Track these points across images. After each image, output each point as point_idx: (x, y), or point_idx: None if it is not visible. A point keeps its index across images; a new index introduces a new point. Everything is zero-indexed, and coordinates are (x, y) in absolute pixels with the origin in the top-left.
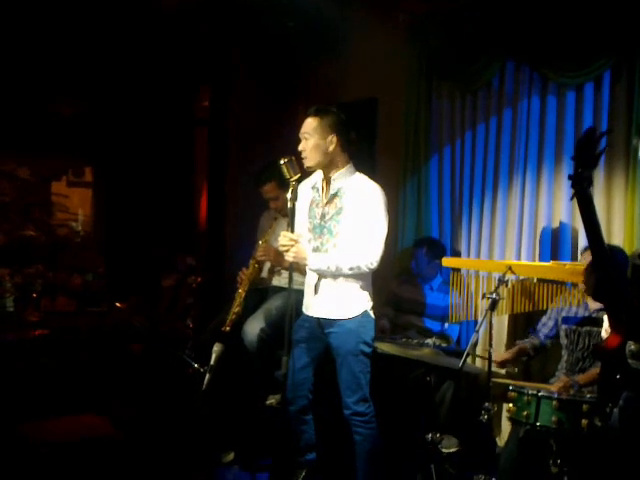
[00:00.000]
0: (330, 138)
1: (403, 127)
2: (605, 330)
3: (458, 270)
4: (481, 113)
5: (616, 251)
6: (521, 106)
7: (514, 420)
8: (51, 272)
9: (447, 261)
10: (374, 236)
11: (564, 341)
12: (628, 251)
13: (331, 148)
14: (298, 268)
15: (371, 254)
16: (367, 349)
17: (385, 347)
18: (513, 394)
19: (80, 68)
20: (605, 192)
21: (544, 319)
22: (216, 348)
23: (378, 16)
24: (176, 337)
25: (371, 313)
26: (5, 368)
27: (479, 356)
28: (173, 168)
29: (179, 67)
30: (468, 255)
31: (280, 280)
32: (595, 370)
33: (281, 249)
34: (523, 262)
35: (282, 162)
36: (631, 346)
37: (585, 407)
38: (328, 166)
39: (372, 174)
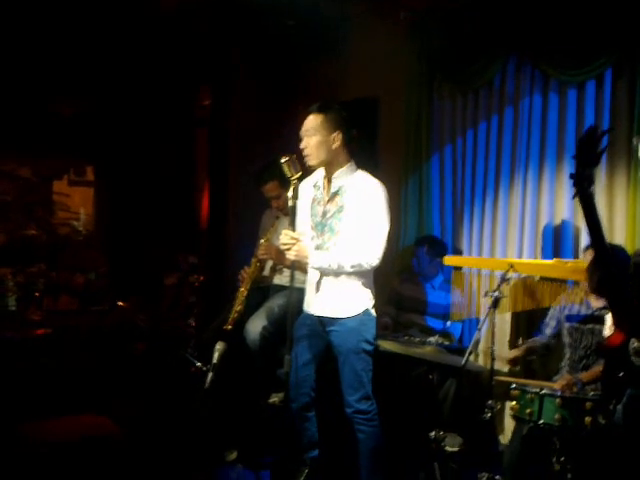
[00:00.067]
0: (334, 135)
1: (404, 126)
2: (608, 328)
3: (460, 268)
4: (482, 111)
5: (618, 250)
6: (522, 104)
7: (517, 418)
8: (53, 271)
9: (449, 259)
10: (376, 233)
11: (567, 339)
12: (630, 249)
13: (335, 145)
14: (300, 266)
15: (373, 252)
16: (368, 347)
17: (388, 345)
18: (516, 392)
19: (81, 68)
20: (607, 190)
21: (547, 319)
22: (218, 347)
23: (378, 14)
24: (178, 336)
25: (372, 311)
26: (7, 367)
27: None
28: (174, 167)
29: (179, 67)
30: (470, 253)
31: (282, 279)
32: (598, 368)
33: (282, 248)
34: (525, 260)
35: (283, 161)
36: (634, 343)
37: (588, 405)
38: (330, 164)
39: (374, 173)
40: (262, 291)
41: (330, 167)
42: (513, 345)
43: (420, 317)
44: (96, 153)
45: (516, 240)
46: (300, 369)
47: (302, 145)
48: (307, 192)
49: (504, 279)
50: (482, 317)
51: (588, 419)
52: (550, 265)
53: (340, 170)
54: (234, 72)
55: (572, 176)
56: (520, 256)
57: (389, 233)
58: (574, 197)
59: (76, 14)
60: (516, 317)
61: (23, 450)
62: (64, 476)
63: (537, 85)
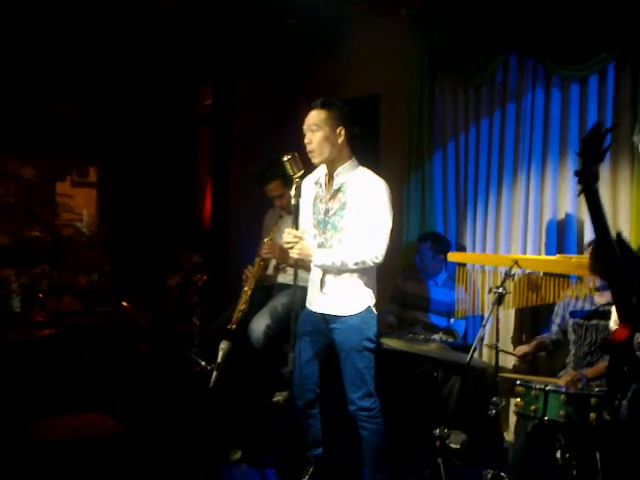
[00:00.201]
0: (339, 130)
1: (406, 123)
2: (614, 322)
3: (464, 265)
4: (485, 107)
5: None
6: (525, 100)
7: (522, 414)
8: (57, 272)
9: (452, 256)
10: (379, 230)
11: (572, 336)
12: (634, 244)
13: (340, 140)
14: (303, 265)
15: (376, 248)
16: (371, 345)
17: (392, 343)
18: (521, 389)
19: (83, 68)
20: (610, 185)
21: (552, 316)
22: (223, 346)
23: (379, 11)
24: (182, 335)
25: (374, 309)
26: (12, 368)
27: (489, 346)
28: (176, 167)
29: (181, 66)
30: (473, 250)
31: (285, 277)
32: (603, 364)
33: (286, 246)
34: (529, 256)
35: (285, 159)
36: (639, 338)
37: (593, 401)
38: (333, 160)
39: (376, 170)
40: (266, 290)
41: (332, 164)
42: (517, 341)
43: (424, 314)
44: (99, 154)
45: (520, 236)
46: (304, 366)
47: (305, 140)
48: (309, 190)
49: (508, 275)
50: (486, 314)
51: (593, 415)
52: (554, 261)
53: (342, 167)
54: (235, 71)
55: (577, 173)
56: (524, 252)
57: (392, 230)
58: (579, 194)
59: (78, 14)
60: (520, 313)
61: (27, 449)
62: (67, 475)
63: (539, 80)
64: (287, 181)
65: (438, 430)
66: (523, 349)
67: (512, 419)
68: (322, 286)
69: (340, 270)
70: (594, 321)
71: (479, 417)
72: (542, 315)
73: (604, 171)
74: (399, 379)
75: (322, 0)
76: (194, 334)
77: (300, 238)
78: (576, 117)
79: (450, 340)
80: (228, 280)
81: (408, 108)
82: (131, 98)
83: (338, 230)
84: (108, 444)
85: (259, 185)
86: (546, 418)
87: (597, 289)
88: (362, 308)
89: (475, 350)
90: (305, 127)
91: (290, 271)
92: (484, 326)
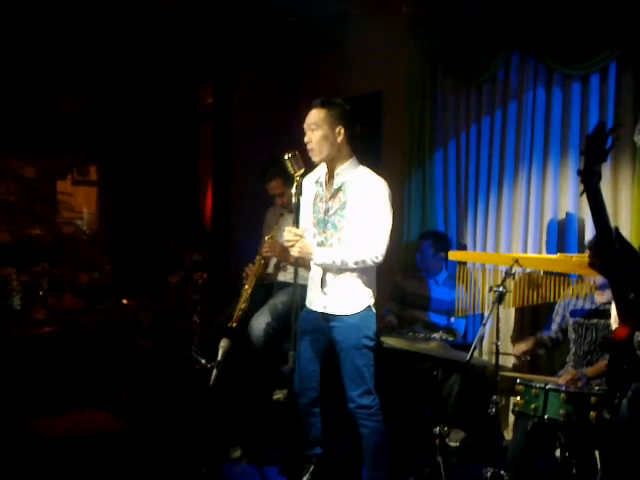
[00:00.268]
0: (338, 129)
1: (407, 121)
2: (614, 321)
3: (464, 264)
4: (486, 106)
5: (626, 243)
6: (526, 98)
7: (522, 413)
8: (57, 270)
9: (453, 255)
10: (379, 230)
11: (572, 335)
12: (635, 243)
13: (339, 139)
14: (304, 263)
15: (376, 248)
16: (370, 343)
17: (392, 341)
18: (521, 387)
19: (84, 66)
20: (612, 184)
21: (553, 315)
22: (223, 343)
23: (380, 9)
24: (183, 333)
25: (373, 308)
26: (13, 366)
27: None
28: (177, 165)
29: (181, 64)
30: (474, 248)
31: (286, 275)
32: (603, 362)
33: (286, 244)
34: (530, 255)
35: (286, 157)
36: (639, 337)
37: (593, 399)
38: (333, 159)
39: (377, 168)
40: (266, 288)
41: (332, 162)
42: (518, 340)
43: (424, 313)
44: (99, 152)
45: (520, 235)
46: (305, 363)
47: (305, 139)
48: (309, 189)
49: (508, 274)
50: (486, 312)
51: (593, 414)
52: (555, 259)
53: (342, 166)
54: (236, 69)
55: (580, 172)
56: (524, 251)
57: (392, 229)
58: (581, 194)
59: (78, 12)
60: (521, 312)
61: (28, 446)
62: (71, 471)
63: (541, 79)
64: (288, 179)
65: (438, 428)
66: (521, 347)
67: (512, 417)
68: (323, 285)
69: (340, 269)
70: (594, 320)
71: (479, 415)
72: (542, 314)
73: (605, 170)
74: (399, 378)
75: None
76: (194, 332)
77: (300, 236)
78: (577, 116)
79: (450, 339)
80: (229, 278)
81: (409, 107)
82: (132, 97)
83: (338, 229)
84: (109, 441)
85: (261, 183)
86: (546, 417)
87: (597, 288)
88: (362, 307)
89: (475, 349)
90: (305, 126)
91: (290, 269)
92: (484, 325)
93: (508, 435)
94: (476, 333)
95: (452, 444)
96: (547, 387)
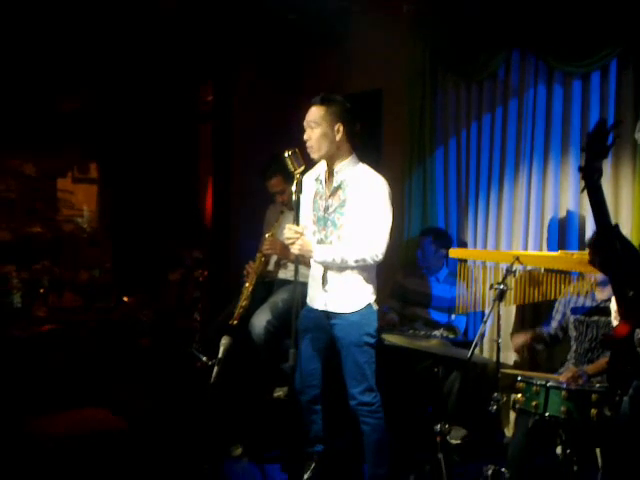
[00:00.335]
0: (337, 127)
1: (408, 119)
2: (614, 317)
3: (465, 261)
4: (487, 103)
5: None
6: (527, 96)
7: (523, 410)
8: (57, 268)
9: (454, 252)
10: (379, 228)
11: (573, 332)
12: (635, 241)
13: (338, 137)
14: (304, 261)
15: (376, 246)
16: (371, 340)
17: (393, 338)
18: (521, 384)
19: (84, 65)
20: (612, 181)
21: (553, 312)
22: (224, 341)
23: (381, 7)
24: (183, 331)
25: (374, 305)
26: (13, 364)
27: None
28: (177, 164)
29: (182, 63)
30: (475, 246)
31: (286, 273)
32: (604, 360)
33: (286, 242)
34: (530, 252)
35: (286, 155)
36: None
37: (594, 397)
38: (332, 157)
39: (378, 166)
40: (267, 286)
41: (332, 160)
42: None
43: (425, 310)
44: (100, 150)
45: (521, 232)
46: (306, 361)
47: (305, 137)
48: (309, 186)
49: (509, 271)
50: (487, 310)
51: (594, 411)
52: (556, 257)
53: (342, 163)
54: (237, 67)
55: (581, 169)
56: (525, 248)
57: (392, 227)
58: (582, 190)
59: (79, 11)
60: (521, 310)
61: (28, 444)
62: (70, 470)
63: (541, 76)
64: (288, 177)
65: (439, 426)
66: (519, 341)
67: (513, 415)
68: (324, 283)
69: (340, 267)
70: (595, 317)
71: (480, 413)
72: (543, 311)
73: (606, 168)
74: (400, 375)
75: None
76: (195, 329)
77: (301, 234)
78: (578, 113)
79: (451, 336)
80: (229, 276)
81: (410, 104)
82: (132, 95)
83: (338, 227)
84: (110, 439)
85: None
86: (547, 414)
87: (598, 284)
88: (363, 305)
89: (476, 346)
90: (305, 123)
91: (291, 267)
92: (485, 322)
93: (509, 432)
94: (477, 330)
95: (453, 442)
96: (548, 384)
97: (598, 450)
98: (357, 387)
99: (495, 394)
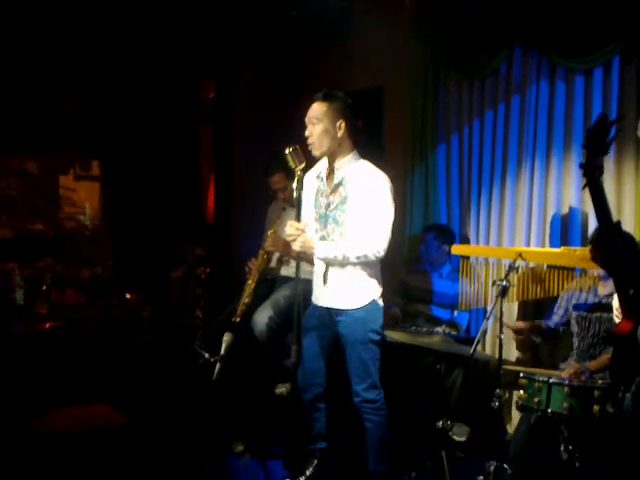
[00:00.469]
0: (339, 123)
1: (410, 116)
2: (616, 312)
3: (467, 257)
4: (489, 100)
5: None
6: (529, 92)
7: (525, 407)
8: (60, 265)
9: (456, 248)
10: (380, 224)
11: (575, 328)
12: (638, 237)
13: (340, 133)
14: (306, 257)
15: (378, 243)
16: (376, 337)
17: (395, 335)
18: (524, 381)
19: (86, 63)
20: (615, 178)
21: (555, 307)
22: (226, 338)
23: (383, 3)
24: (185, 328)
25: (379, 301)
26: (16, 360)
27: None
28: (179, 161)
29: (183, 62)
30: (477, 242)
31: (288, 270)
32: (606, 356)
33: (288, 239)
34: (533, 249)
35: (287, 151)
36: None
37: (597, 393)
38: (334, 154)
39: (380, 162)
40: (269, 283)
41: (333, 157)
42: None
43: (427, 307)
44: (101, 148)
45: (524, 228)
46: (310, 360)
47: (306, 133)
48: (311, 183)
49: (512, 268)
50: (490, 306)
51: (597, 408)
52: (558, 253)
53: (343, 160)
54: (237, 67)
55: (582, 166)
56: (528, 244)
57: (394, 223)
58: (584, 187)
59: (80, 10)
60: (524, 306)
61: (31, 441)
62: (72, 466)
63: (544, 72)
64: (290, 174)
65: (441, 422)
66: (518, 324)
67: (515, 411)
68: (326, 280)
69: (342, 263)
70: (597, 313)
71: (482, 409)
72: (546, 308)
73: (608, 164)
74: (402, 372)
75: None
76: (197, 327)
77: (302, 231)
78: (581, 110)
79: (453, 333)
80: (231, 272)
81: (412, 101)
82: (133, 93)
83: (339, 224)
84: (112, 435)
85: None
86: (549, 410)
87: (601, 279)
88: (367, 301)
89: (478, 342)
90: (306, 119)
91: (293, 264)
92: (487, 319)
93: (511, 429)
94: (479, 327)
95: (455, 438)
96: (550, 381)
97: (601, 447)
98: (361, 384)
99: (497, 390)
